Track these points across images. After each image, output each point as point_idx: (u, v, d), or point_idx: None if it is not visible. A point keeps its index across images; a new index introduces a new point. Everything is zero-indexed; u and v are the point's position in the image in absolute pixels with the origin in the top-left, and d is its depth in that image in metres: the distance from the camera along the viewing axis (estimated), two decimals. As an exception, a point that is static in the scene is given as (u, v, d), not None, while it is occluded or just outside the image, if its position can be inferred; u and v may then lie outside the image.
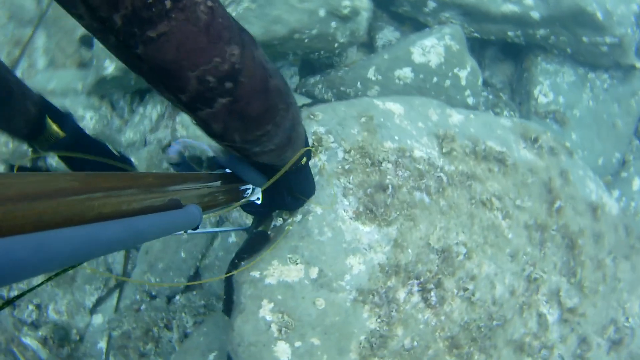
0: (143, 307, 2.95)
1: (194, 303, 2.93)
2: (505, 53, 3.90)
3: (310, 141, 2.23)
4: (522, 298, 2.16)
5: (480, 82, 3.54)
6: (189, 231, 1.20)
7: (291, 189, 1.93)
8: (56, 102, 3.84)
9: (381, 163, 2.20)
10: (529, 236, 2.32)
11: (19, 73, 4.05)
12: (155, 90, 0.98)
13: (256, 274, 1.92)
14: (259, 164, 1.48)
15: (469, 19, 3.57)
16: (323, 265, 1.94)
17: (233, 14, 3.27)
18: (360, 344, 1.87)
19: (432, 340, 1.95)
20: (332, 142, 2.27)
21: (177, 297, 2.97)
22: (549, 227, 2.35)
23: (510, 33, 3.54)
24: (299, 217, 2.06)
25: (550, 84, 3.58)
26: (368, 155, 2.21)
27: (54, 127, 1.60)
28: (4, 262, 0.54)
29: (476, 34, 3.64)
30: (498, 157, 2.46)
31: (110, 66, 3.31)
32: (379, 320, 1.91)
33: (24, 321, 3.05)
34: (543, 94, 3.60)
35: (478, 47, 3.92)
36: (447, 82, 3.50)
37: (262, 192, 1.80)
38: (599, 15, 3.16)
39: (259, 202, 1.82)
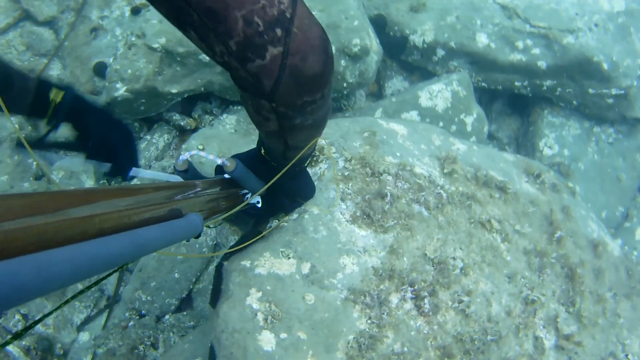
0: (131, 323, 2.91)
1: (183, 323, 2.88)
2: (512, 107, 4.01)
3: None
4: (518, 319, 2.12)
5: (486, 129, 3.63)
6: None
7: (290, 193, 1.97)
8: None
9: (381, 174, 2.24)
10: (528, 261, 2.30)
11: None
12: (206, 50, 1.00)
13: (247, 263, 1.91)
14: (275, 156, 1.52)
15: (477, 68, 3.71)
16: (316, 262, 1.94)
17: None
18: (349, 343, 1.83)
19: (424, 348, 1.91)
20: (334, 153, 2.32)
21: (167, 317, 2.93)
22: (548, 255, 2.34)
23: (517, 83, 3.66)
24: (294, 215, 2.08)
25: (556, 136, 3.66)
26: (368, 166, 2.25)
27: (55, 96, 1.71)
28: (7, 286, 0.53)
29: (484, 84, 3.77)
30: (499, 185, 2.49)
31: (122, 88, 3.44)
32: (369, 321, 1.88)
33: (9, 330, 3.01)
34: (548, 147, 3.67)
35: (485, 99, 4.04)
36: (453, 127, 3.59)
37: (263, 196, 1.84)
38: (605, 65, 3.28)
39: (259, 205, 1.86)
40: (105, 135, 1.83)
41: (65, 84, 1.77)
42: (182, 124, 3.71)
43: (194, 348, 2.30)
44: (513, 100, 3.96)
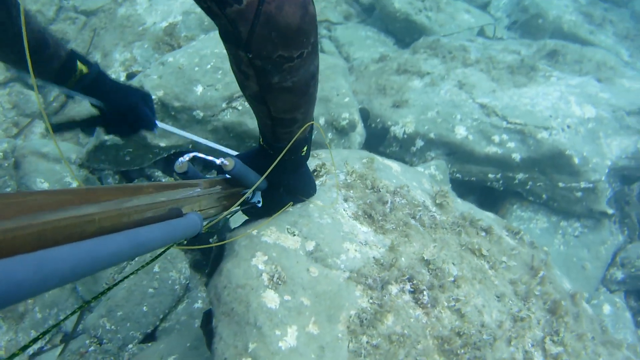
0: (92, 348, 2.78)
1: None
2: (483, 202, 4.30)
3: (312, 166, 2.44)
4: (509, 333, 2.18)
5: (460, 214, 3.87)
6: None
7: (291, 190, 2.09)
8: (46, 165, 4.06)
9: (380, 190, 2.40)
10: (514, 290, 2.42)
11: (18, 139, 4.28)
12: None
13: (254, 231, 1.98)
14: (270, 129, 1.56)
15: (454, 159, 4.04)
16: (320, 242, 2.02)
17: (239, 108, 3.70)
18: (350, 317, 1.86)
19: (422, 336, 1.94)
20: (336, 169, 2.49)
21: (130, 346, 2.81)
22: (533, 288, 2.46)
23: (491, 175, 3.98)
24: (298, 205, 2.18)
25: (524, 229, 3.91)
26: (368, 180, 2.42)
27: (82, 67, 1.92)
28: (5, 284, 0.55)
29: (458, 175, 4.08)
30: (484, 227, 2.67)
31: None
32: (370, 301, 1.93)
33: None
34: (517, 239, 3.90)
35: (458, 193, 4.33)
36: (430, 208, 3.81)
37: (263, 194, 1.97)
38: (576, 160, 3.65)
39: (259, 204, 1.98)
40: (122, 97, 2.03)
41: (93, 61, 1.98)
42: (163, 181, 3.81)
43: (170, 347, 2.23)
44: (485, 195, 4.27)
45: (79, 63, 1.92)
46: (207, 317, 1.88)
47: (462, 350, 1.96)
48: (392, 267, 2.05)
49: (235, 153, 1.93)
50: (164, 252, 1.20)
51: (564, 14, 5.70)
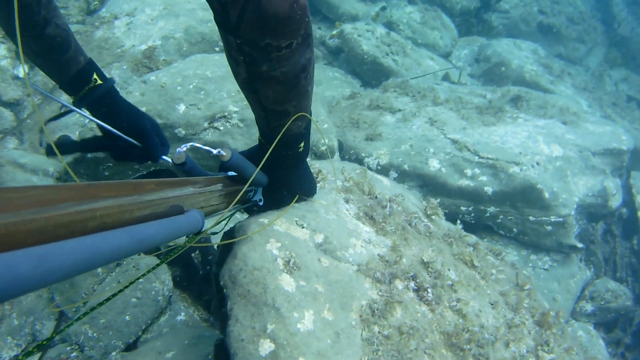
0: (74, 354, 2.71)
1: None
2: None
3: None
4: (506, 337, 2.27)
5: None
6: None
7: (292, 188, 2.16)
8: (23, 176, 4.03)
9: (377, 196, 2.50)
10: (505, 301, 2.53)
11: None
12: None
13: (264, 220, 2.02)
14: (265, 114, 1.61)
15: (427, 191, 4.20)
16: (329, 235, 2.08)
17: (221, 129, 3.79)
18: (362, 307, 1.91)
19: (430, 330, 2.01)
20: (331, 177, 2.58)
21: (114, 354, 2.75)
22: (522, 299, 2.58)
23: (463, 208, 4.15)
24: (302, 202, 2.24)
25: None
26: (365, 187, 2.52)
27: (97, 78, 1.98)
28: (6, 278, 0.56)
29: (431, 207, 4.23)
30: (471, 243, 2.80)
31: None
32: (379, 293, 1.99)
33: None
34: (488, 273, 4.06)
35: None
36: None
37: (264, 192, 2.05)
38: (547, 194, 3.86)
39: (261, 203, 2.05)
40: (133, 121, 2.05)
41: (109, 77, 2.05)
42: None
43: (167, 344, 2.21)
44: (456, 229, 4.42)
45: (95, 74, 1.96)
46: (219, 302, 1.89)
47: (468, 346, 2.03)
48: (397, 264, 2.13)
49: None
50: (168, 254, 1.22)
51: (525, 64, 6.12)
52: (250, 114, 3.65)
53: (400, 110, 4.69)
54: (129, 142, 2.03)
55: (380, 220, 2.31)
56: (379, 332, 1.87)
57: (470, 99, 4.89)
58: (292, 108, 1.57)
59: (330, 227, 2.12)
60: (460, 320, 2.13)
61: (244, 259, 1.87)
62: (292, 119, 1.61)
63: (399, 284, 2.08)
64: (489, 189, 4.00)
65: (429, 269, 2.26)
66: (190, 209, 1.22)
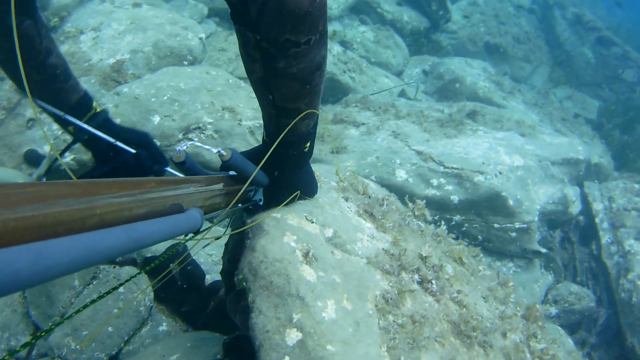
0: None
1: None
2: (419, 247, 4.61)
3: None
4: (502, 327, 2.41)
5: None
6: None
7: (293, 188, 2.23)
8: None
9: (371, 196, 2.62)
10: (494, 295, 2.68)
11: None
12: None
13: (277, 215, 2.09)
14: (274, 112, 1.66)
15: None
16: (337, 229, 2.17)
17: (195, 140, 3.87)
18: (376, 297, 2.00)
19: (438, 320, 2.11)
20: (324, 178, 2.67)
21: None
22: (509, 294, 2.74)
23: (429, 218, 4.32)
24: (306, 200, 2.33)
25: (462, 271, 4.26)
26: (360, 187, 2.63)
27: (96, 106, 2.09)
28: (3, 274, 0.56)
29: (399, 217, 4.38)
30: (454, 244, 2.95)
31: (69, 157, 3.59)
32: (390, 284, 2.09)
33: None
34: (456, 280, 4.23)
35: (395, 239, 4.63)
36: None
37: (264, 192, 2.13)
38: (511, 202, 4.09)
39: (261, 202, 2.13)
40: (134, 136, 2.12)
41: (103, 108, 2.15)
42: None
43: (169, 347, 2.21)
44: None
45: (94, 102, 2.06)
46: (236, 297, 1.93)
47: (474, 334, 2.15)
48: (401, 257, 2.24)
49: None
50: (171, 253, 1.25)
51: (478, 80, 6.46)
52: (224, 125, 3.71)
53: (364, 123, 4.85)
54: (131, 153, 2.07)
55: (380, 217, 2.42)
56: (393, 321, 1.96)
57: (430, 113, 5.12)
58: (304, 106, 1.62)
59: (338, 222, 2.20)
60: (464, 310, 2.25)
61: (263, 251, 1.92)
62: (301, 115, 1.65)
63: (405, 276, 2.19)
64: (455, 198, 4.19)
65: (427, 264, 2.38)
66: (190, 208, 1.24)
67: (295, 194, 2.14)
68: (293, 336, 1.73)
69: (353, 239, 2.17)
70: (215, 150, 1.64)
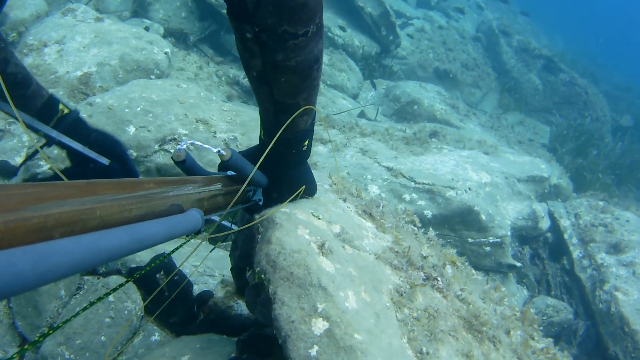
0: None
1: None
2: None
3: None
4: (505, 326, 2.47)
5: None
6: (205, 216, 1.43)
7: (292, 186, 2.25)
8: None
9: (364, 198, 2.66)
10: (489, 297, 2.75)
11: None
12: None
13: (286, 210, 2.09)
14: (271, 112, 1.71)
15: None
16: (344, 225, 2.19)
17: (171, 151, 3.84)
18: (391, 291, 2.03)
19: (449, 314, 2.15)
20: (318, 182, 2.70)
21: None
22: (503, 296, 2.81)
23: (419, 224, 4.39)
24: (308, 199, 2.34)
25: (436, 288, 4.33)
26: (353, 189, 2.67)
27: (63, 108, 2.16)
28: (4, 276, 0.57)
29: (371, 234, 4.43)
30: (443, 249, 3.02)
31: (46, 165, 3.53)
32: (401, 279, 2.12)
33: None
34: (430, 297, 4.30)
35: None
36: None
37: (264, 192, 2.15)
38: (483, 216, 4.21)
39: (260, 202, 2.15)
40: (106, 143, 2.18)
41: (73, 107, 2.21)
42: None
43: (178, 348, 2.17)
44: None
45: (60, 104, 2.11)
46: (255, 291, 1.92)
47: (485, 328, 2.20)
48: (407, 254, 2.27)
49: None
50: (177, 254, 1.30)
51: (435, 103, 6.67)
52: (199, 137, 3.70)
53: (330, 141, 4.91)
54: (102, 163, 2.13)
55: (379, 217, 2.46)
56: (409, 314, 1.99)
57: (394, 132, 5.24)
58: (302, 101, 1.65)
59: (342, 220, 2.23)
60: (471, 306, 2.30)
61: (280, 243, 1.92)
62: (299, 111, 1.68)
63: (413, 272, 2.22)
64: (428, 212, 4.28)
65: (428, 263, 2.42)
66: (190, 208, 1.26)
67: (299, 191, 2.14)
68: (320, 325, 1.73)
69: (359, 236, 2.19)
70: (215, 150, 1.65)
